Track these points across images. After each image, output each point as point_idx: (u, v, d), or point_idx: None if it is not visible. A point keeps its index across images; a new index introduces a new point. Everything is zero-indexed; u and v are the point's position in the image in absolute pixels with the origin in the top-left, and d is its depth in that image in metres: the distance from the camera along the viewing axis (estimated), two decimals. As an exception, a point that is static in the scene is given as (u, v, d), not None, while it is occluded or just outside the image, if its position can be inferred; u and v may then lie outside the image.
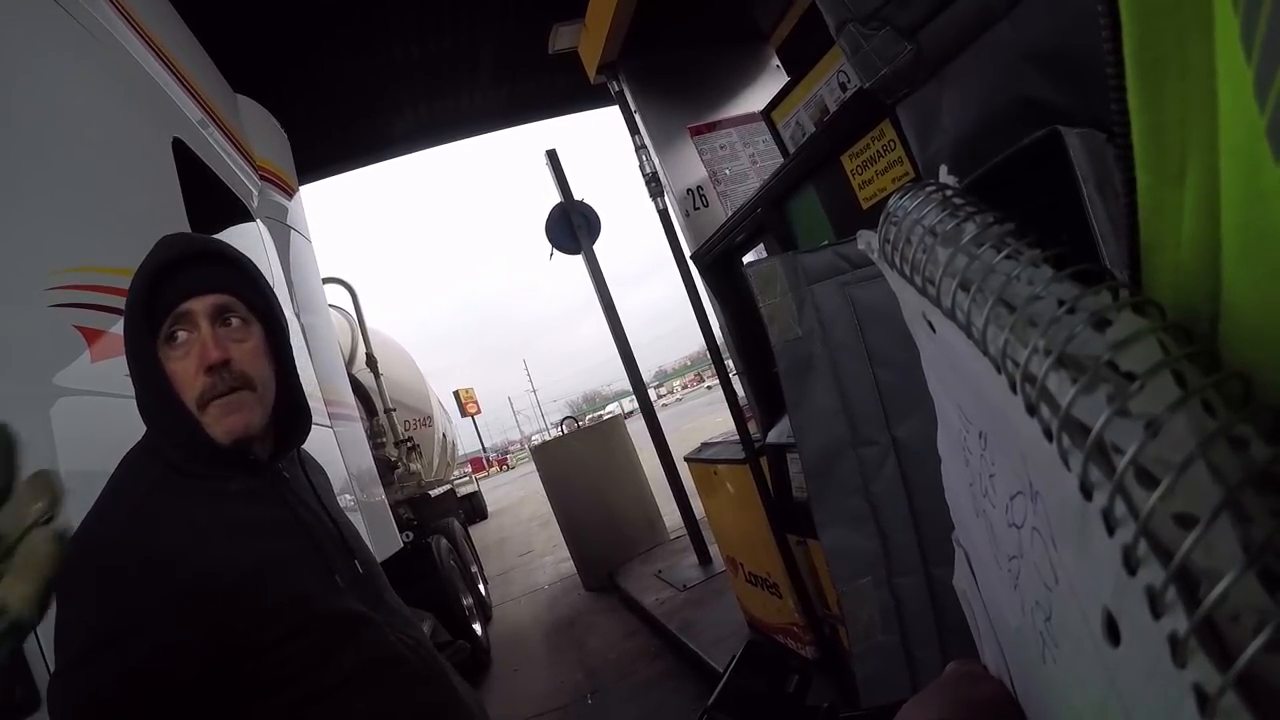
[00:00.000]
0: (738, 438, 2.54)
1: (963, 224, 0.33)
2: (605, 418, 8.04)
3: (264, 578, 0.83)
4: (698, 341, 2.77)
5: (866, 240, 0.43)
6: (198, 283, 0.88)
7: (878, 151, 1.56)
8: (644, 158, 3.02)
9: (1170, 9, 0.23)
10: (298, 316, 2.97)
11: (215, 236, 1.13)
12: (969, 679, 0.40)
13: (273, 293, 0.98)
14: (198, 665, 0.76)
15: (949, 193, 0.36)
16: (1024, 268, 0.28)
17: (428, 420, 7.75)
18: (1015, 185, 0.52)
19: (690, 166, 2.98)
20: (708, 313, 2.70)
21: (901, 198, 0.39)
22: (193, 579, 0.78)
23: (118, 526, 0.81)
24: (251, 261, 0.97)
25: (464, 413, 25.61)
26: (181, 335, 0.87)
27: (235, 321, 0.90)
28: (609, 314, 5.12)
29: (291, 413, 0.99)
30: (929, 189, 0.38)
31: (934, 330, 0.35)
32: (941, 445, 0.43)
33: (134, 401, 0.89)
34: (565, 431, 6.53)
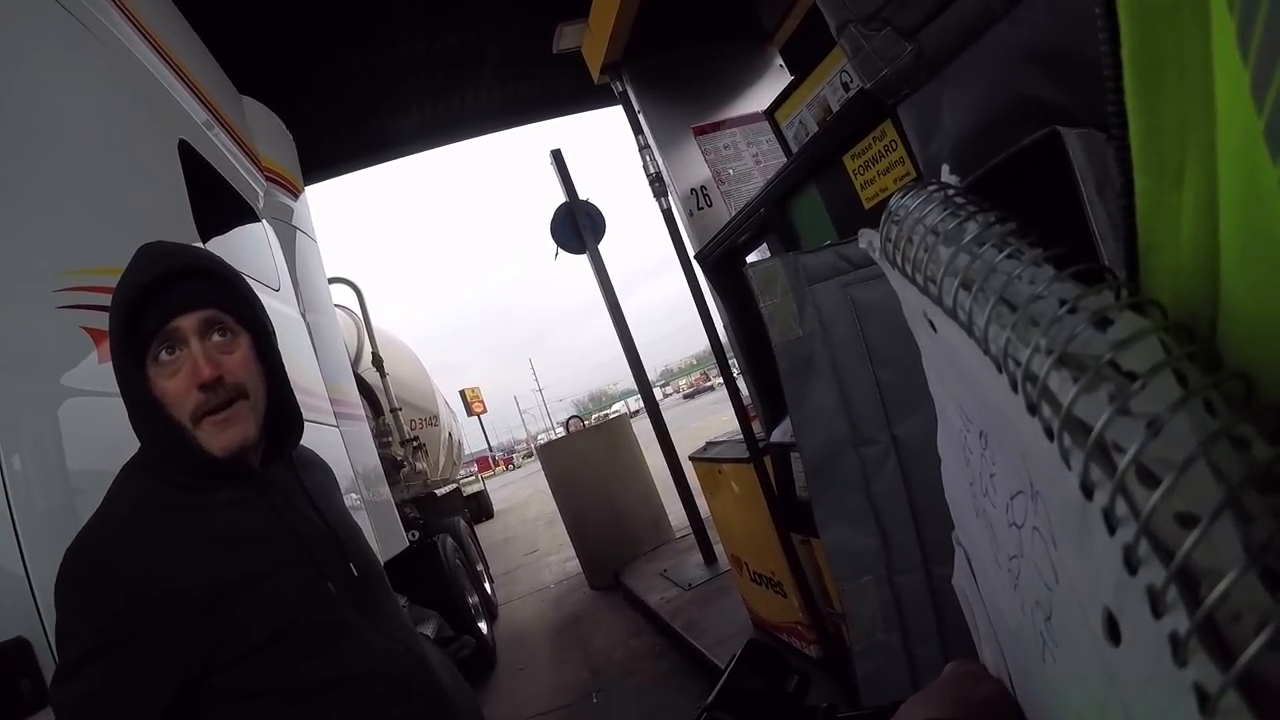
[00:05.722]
0: (742, 437, 2.54)
1: (964, 223, 0.33)
2: (611, 417, 8.01)
3: (241, 589, 0.84)
4: (703, 340, 2.75)
5: (868, 239, 0.43)
6: (182, 300, 0.87)
7: (879, 151, 1.55)
8: (648, 158, 3.02)
9: (1168, 11, 0.23)
10: (303, 316, 2.97)
11: (195, 246, 1.12)
12: (968, 678, 0.40)
13: (257, 298, 0.97)
14: (176, 678, 0.79)
15: (951, 192, 0.36)
16: (1025, 267, 0.28)
17: (434, 419, 7.76)
18: (1015, 185, 0.52)
19: (694, 166, 2.97)
20: (712, 312, 2.70)
21: (903, 197, 0.39)
22: (170, 595, 0.80)
23: (103, 542, 0.83)
24: (232, 269, 0.96)
25: (470, 412, 25.66)
26: (171, 354, 0.86)
27: (223, 334, 0.90)
28: (614, 313, 5.12)
29: (282, 418, 0.99)
30: (931, 188, 0.37)
31: (935, 329, 0.35)
32: (941, 445, 0.43)
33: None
34: (570, 430, 6.52)
